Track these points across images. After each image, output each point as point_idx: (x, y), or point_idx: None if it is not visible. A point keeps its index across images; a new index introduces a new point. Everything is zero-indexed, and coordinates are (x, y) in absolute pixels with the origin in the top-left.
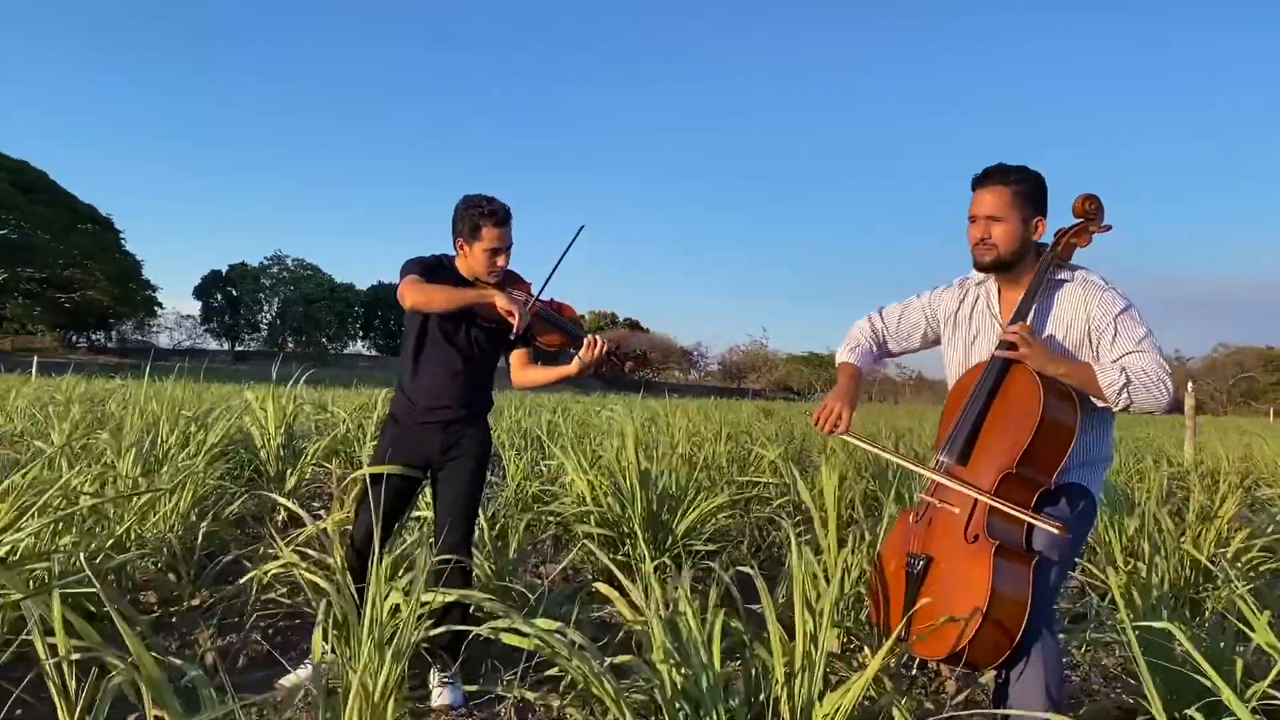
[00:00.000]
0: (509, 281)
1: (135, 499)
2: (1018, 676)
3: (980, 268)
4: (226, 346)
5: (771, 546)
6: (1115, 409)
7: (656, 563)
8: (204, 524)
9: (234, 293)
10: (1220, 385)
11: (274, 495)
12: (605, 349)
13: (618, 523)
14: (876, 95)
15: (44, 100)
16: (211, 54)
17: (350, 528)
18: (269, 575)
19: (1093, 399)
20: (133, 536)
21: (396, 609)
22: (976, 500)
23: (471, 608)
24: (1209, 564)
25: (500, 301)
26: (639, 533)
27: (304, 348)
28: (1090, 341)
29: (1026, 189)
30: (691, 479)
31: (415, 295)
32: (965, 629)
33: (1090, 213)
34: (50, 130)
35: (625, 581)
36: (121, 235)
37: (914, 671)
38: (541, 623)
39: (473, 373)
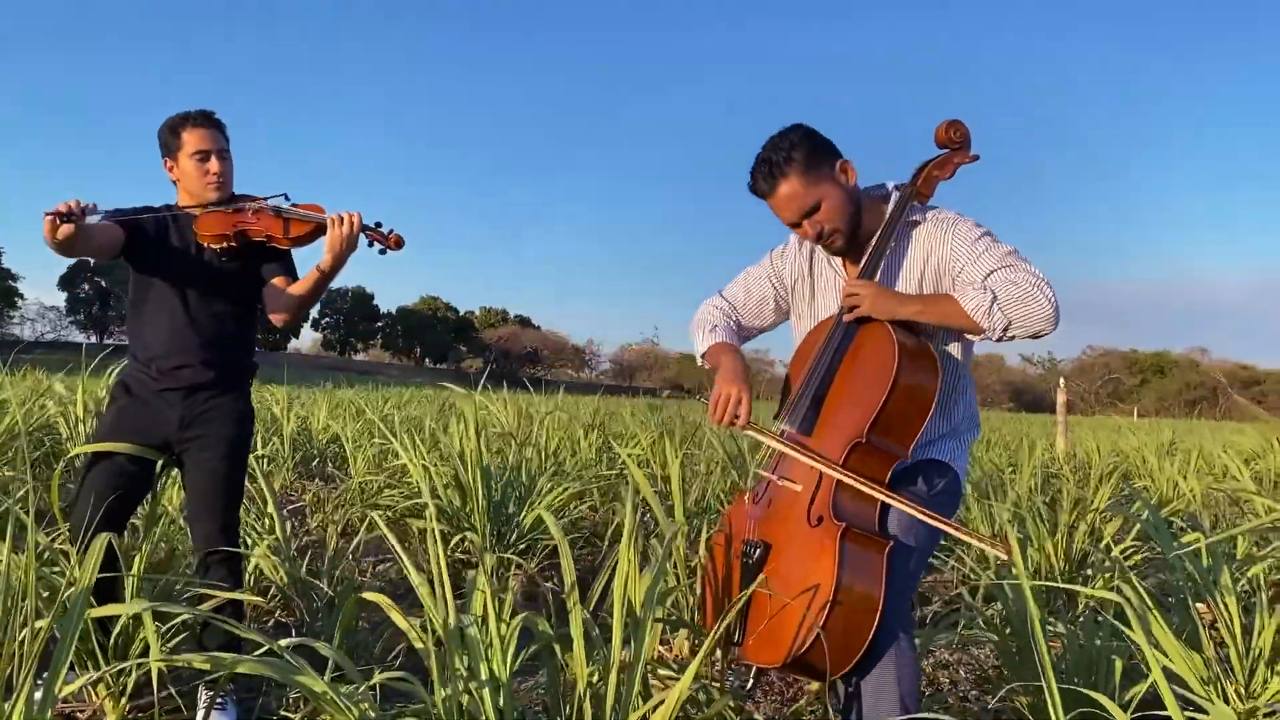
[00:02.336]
0: (240, 200)
1: None
2: (869, 684)
3: (839, 254)
4: (94, 339)
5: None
6: (993, 337)
7: (498, 558)
8: None
9: (102, 284)
10: (1089, 386)
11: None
12: (358, 222)
13: (457, 516)
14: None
15: None
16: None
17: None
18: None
19: (966, 335)
20: None
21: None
22: (821, 475)
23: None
24: (1083, 554)
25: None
26: (478, 525)
27: None
28: (947, 278)
29: (802, 153)
30: (543, 467)
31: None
32: (806, 630)
33: (955, 141)
34: None
35: (418, 577)
36: None
37: (750, 682)
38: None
39: (218, 320)
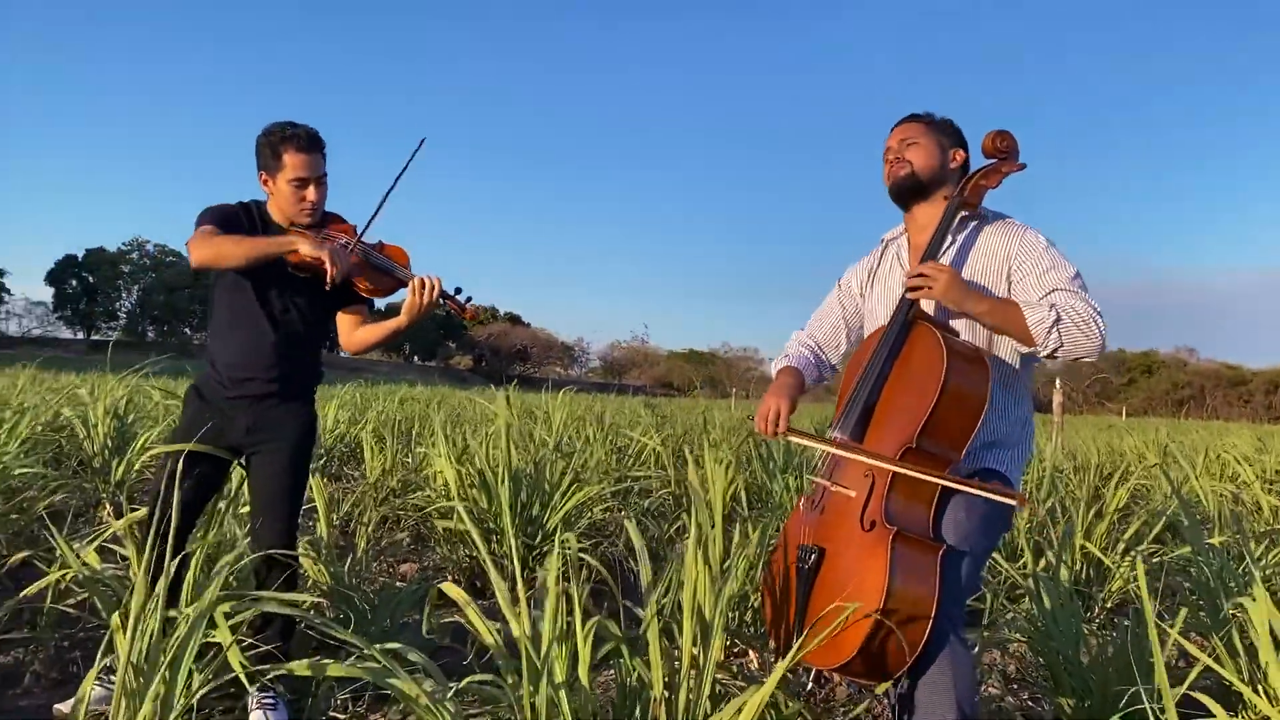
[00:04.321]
0: (328, 223)
1: None
2: (925, 688)
3: (893, 191)
4: (82, 335)
5: (651, 541)
6: (1043, 352)
7: (524, 559)
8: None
9: (90, 279)
10: (1078, 386)
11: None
12: (438, 289)
13: (484, 517)
14: (770, 91)
15: None
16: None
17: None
18: (68, 579)
19: (1007, 351)
20: None
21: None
22: (874, 481)
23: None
24: (1101, 557)
25: (306, 248)
26: (507, 527)
27: (166, 337)
28: (1011, 284)
29: (942, 123)
30: (567, 469)
31: (201, 251)
32: (861, 633)
33: (1002, 151)
34: None
35: (499, 580)
36: None
37: (809, 683)
38: (381, 649)
39: (291, 341)
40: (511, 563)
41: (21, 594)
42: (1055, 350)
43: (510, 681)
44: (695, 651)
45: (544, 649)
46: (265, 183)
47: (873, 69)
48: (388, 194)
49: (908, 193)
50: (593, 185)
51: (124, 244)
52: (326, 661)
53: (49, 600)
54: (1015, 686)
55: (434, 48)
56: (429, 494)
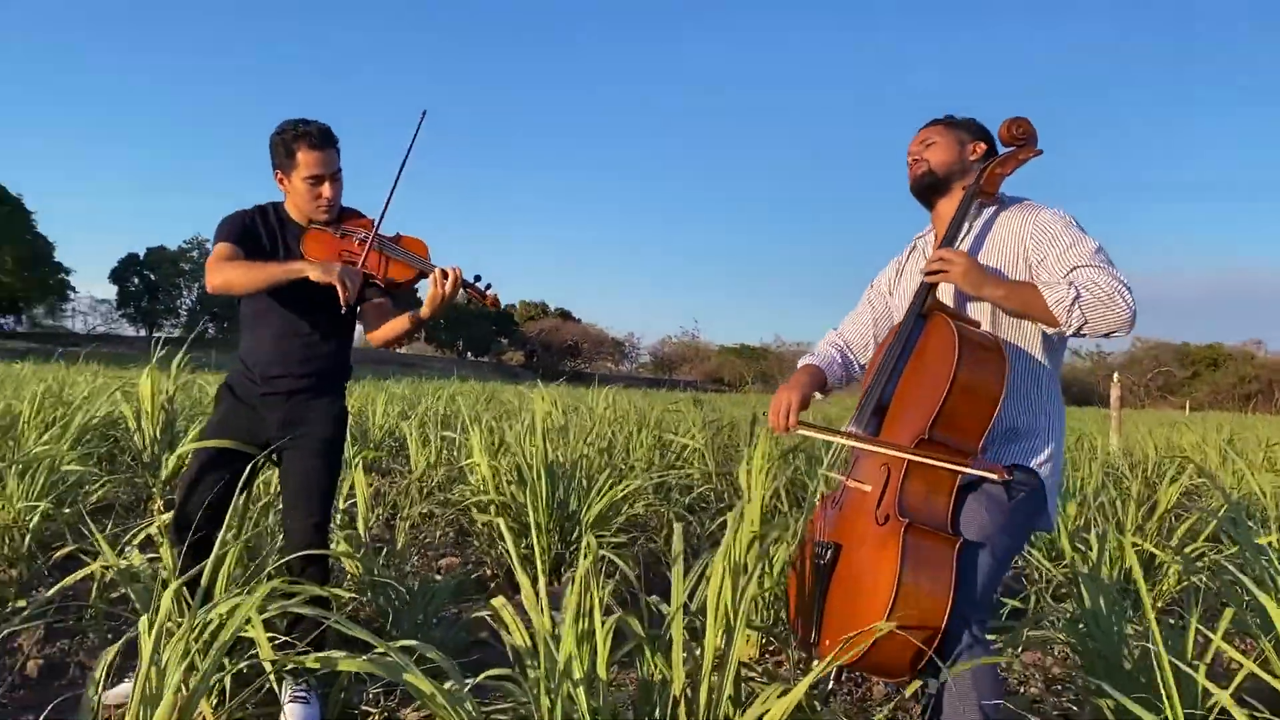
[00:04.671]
0: (346, 218)
1: None
2: (947, 690)
3: (914, 189)
4: (144, 333)
5: (691, 538)
6: (1068, 331)
7: (559, 555)
8: (64, 511)
9: (151, 277)
10: (1139, 379)
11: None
12: (459, 278)
13: (520, 513)
14: (818, 89)
15: None
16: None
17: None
18: (112, 572)
19: (1032, 338)
20: None
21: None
22: (889, 474)
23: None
24: (1157, 553)
25: (315, 273)
26: (541, 523)
27: (226, 334)
28: (1030, 265)
29: (962, 121)
30: (602, 464)
31: (212, 279)
32: (872, 629)
33: (1019, 138)
34: None
35: (523, 578)
36: (33, 216)
37: (832, 682)
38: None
39: (318, 335)
40: (534, 562)
41: (55, 587)
42: (1081, 328)
43: (531, 678)
44: (720, 649)
45: (562, 647)
46: (281, 181)
47: (949, 62)
48: (398, 177)
49: (927, 189)
50: (644, 180)
51: (184, 242)
52: (338, 655)
53: (94, 594)
54: (1058, 688)
55: (482, 35)
56: (466, 489)
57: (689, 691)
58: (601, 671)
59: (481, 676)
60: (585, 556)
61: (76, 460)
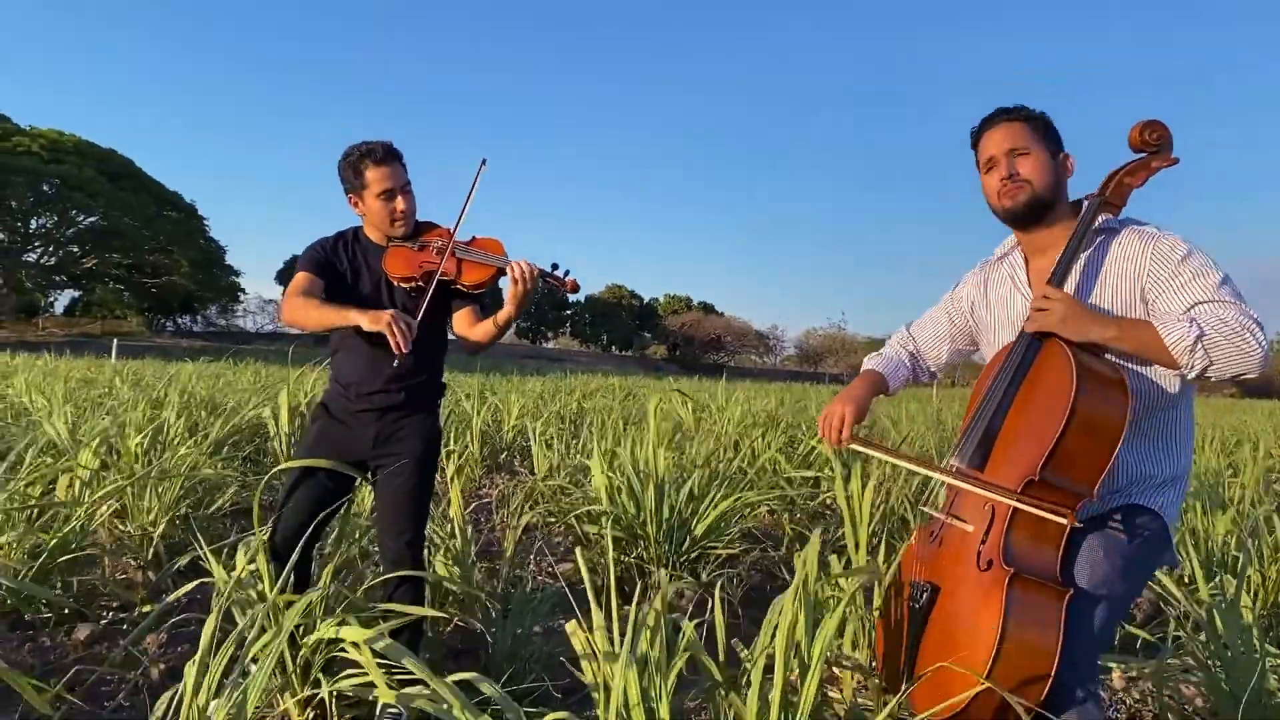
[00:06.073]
0: (422, 231)
1: (93, 491)
2: None
3: (1011, 215)
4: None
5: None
6: (1190, 375)
7: (668, 570)
8: (199, 513)
9: None
10: None
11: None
12: (536, 271)
13: (631, 524)
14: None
15: (129, 88)
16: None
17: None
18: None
19: (1162, 372)
20: (85, 531)
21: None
22: (994, 514)
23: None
24: None
25: (365, 323)
26: (651, 535)
27: None
28: (1147, 300)
29: (1042, 123)
30: (718, 471)
31: (285, 312)
32: (972, 681)
33: (1152, 144)
34: (135, 119)
35: (596, 610)
36: (205, 222)
37: None
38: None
39: (410, 352)
40: (608, 588)
41: (171, 596)
42: (1205, 370)
43: (599, 714)
44: (792, 695)
45: (619, 687)
46: (355, 205)
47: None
48: (474, 185)
49: (1031, 217)
50: (788, 175)
51: None
52: (370, 682)
53: (212, 602)
54: None
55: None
56: (579, 497)
57: None
58: (664, 715)
59: (550, 717)
60: (656, 589)
61: (220, 463)
